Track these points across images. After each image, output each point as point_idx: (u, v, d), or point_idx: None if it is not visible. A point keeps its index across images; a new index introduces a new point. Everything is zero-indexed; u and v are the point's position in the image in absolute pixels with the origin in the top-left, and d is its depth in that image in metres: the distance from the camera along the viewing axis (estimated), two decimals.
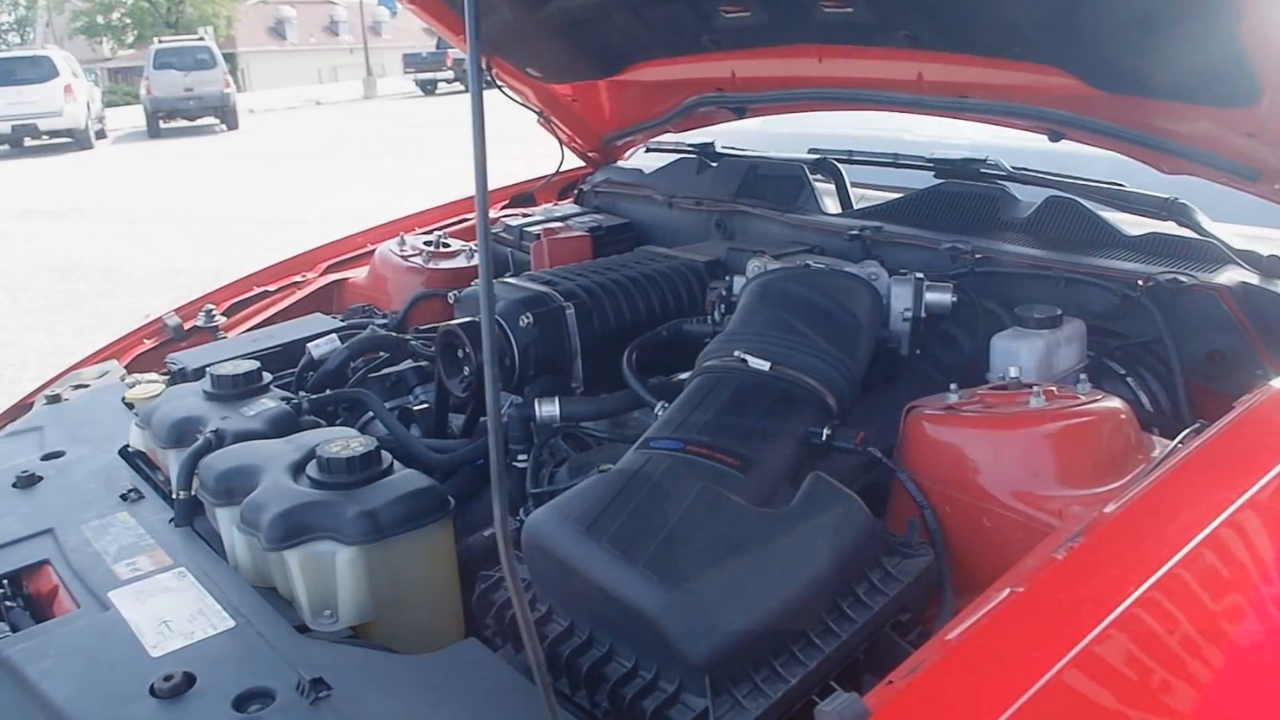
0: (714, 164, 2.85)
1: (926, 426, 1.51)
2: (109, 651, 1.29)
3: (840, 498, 1.32)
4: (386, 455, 1.55)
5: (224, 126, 23.13)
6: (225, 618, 1.35)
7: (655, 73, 2.69)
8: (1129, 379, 1.82)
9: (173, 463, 1.73)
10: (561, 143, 3.24)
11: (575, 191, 3.26)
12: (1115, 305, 1.86)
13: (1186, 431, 1.40)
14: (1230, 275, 1.82)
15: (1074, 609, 1.05)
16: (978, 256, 2.01)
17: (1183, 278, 1.80)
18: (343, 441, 1.55)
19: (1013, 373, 1.55)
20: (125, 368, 2.36)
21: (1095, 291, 1.88)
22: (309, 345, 2.14)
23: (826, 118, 2.96)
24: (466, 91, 0.93)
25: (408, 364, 2.18)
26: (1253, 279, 1.81)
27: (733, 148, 2.98)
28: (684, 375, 1.92)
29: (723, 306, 1.94)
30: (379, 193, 11.71)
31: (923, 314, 1.84)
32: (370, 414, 1.97)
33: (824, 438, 1.49)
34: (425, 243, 2.79)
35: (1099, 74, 1.82)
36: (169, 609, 1.37)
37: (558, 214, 2.98)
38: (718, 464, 1.37)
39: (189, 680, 1.21)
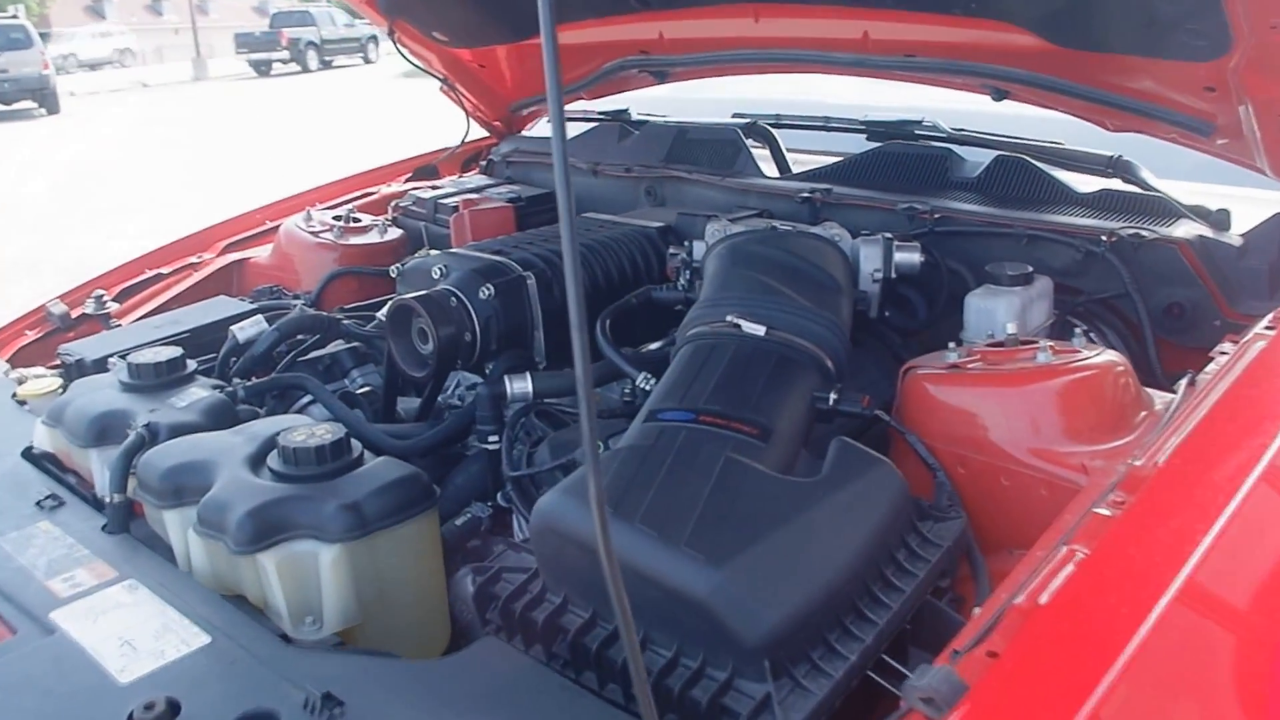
0: (636, 130, 2.75)
1: (929, 387, 1.47)
2: (67, 680, 1.11)
3: (873, 462, 1.26)
4: (356, 443, 1.41)
5: (43, 110, 21.51)
6: (197, 632, 1.19)
7: (576, 35, 2.57)
8: (1090, 334, 1.83)
9: (97, 463, 1.54)
10: (466, 112, 3.08)
11: (482, 163, 3.11)
12: (1077, 261, 1.86)
13: (1184, 382, 1.39)
14: (1186, 229, 1.84)
15: (1151, 564, 1.02)
16: (937, 216, 1.99)
17: (1144, 232, 1.82)
18: (306, 430, 1.40)
19: (1010, 329, 1.52)
20: (7, 362, 2.11)
21: (1057, 248, 1.88)
22: (234, 328, 1.95)
23: (745, 81, 2.89)
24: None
25: (338, 345, 2.02)
26: (1207, 232, 1.84)
27: (648, 114, 2.89)
28: (654, 345, 1.83)
29: (688, 272, 1.85)
30: (228, 175, 11.11)
31: (893, 274, 1.80)
32: (308, 399, 1.81)
33: (830, 402, 1.43)
34: (335, 218, 2.60)
35: (1059, 29, 1.81)
36: (128, 627, 1.20)
37: (469, 185, 2.84)
38: (736, 434, 1.29)
39: (174, 708, 1.05)
